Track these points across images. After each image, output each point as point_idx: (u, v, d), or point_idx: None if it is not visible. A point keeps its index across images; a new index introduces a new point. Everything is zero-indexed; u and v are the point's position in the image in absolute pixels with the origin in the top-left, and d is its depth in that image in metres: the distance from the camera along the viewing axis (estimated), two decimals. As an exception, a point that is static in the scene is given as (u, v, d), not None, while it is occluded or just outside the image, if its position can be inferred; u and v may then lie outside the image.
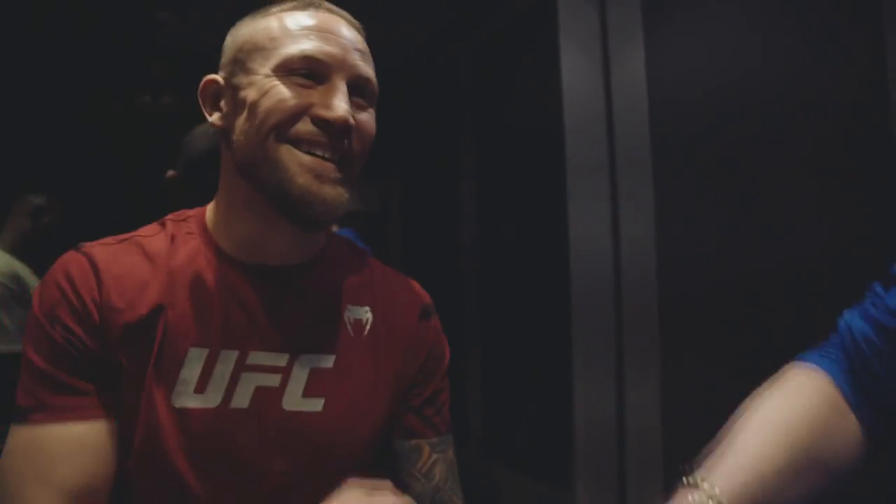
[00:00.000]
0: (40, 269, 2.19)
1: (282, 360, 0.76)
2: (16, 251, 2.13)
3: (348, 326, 0.82)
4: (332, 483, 0.70)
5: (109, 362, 0.72)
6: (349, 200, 0.75)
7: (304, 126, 0.72)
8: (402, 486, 0.81)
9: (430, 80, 3.38)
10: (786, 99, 1.51)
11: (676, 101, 1.80)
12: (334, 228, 2.39)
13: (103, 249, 0.76)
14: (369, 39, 0.80)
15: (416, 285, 0.91)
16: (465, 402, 2.96)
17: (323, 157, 0.73)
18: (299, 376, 0.77)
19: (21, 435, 0.70)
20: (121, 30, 2.86)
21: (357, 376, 0.80)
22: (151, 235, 0.80)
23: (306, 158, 0.72)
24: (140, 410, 0.71)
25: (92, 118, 3.11)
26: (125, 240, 0.79)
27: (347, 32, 0.77)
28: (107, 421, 0.71)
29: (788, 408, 0.66)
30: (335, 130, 0.72)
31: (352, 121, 0.73)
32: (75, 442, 0.69)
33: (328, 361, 0.79)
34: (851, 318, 0.70)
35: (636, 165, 1.88)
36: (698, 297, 1.74)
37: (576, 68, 1.94)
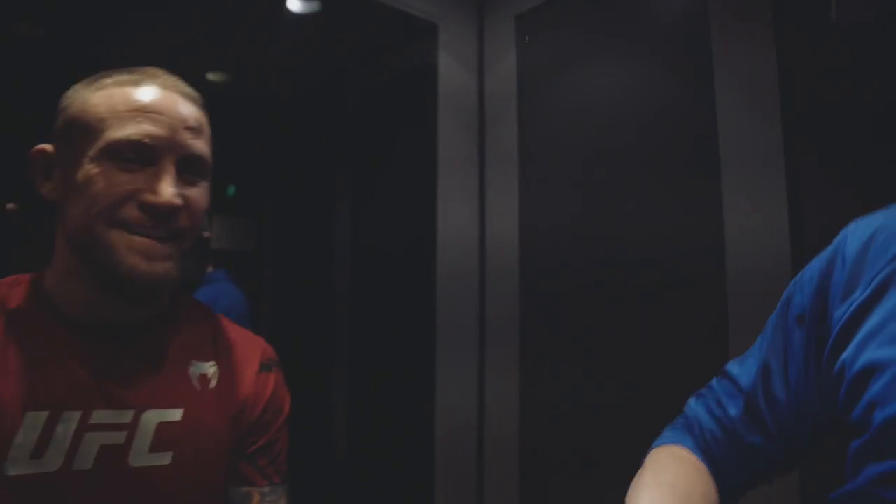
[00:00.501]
0: None
1: (127, 417, 0.76)
2: None
3: (194, 380, 0.83)
4: None
5: None
6: (178, 275, 0.77)
7: (131, 211, 0.73)
8: None
9: (312, 120, 3.44)
10: (643, 153, 1.72)
11: (546, 162, 1.97)
12: (209, 269, 2.37)
13: None
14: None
15: (260, 341, 0.94)
16: (330, 435, 2.95)
17: (150, 237, 0.74)
18: (145, 432, 0.76)
19: None
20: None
21: (205, 428, 0.81)
22: None
23: (135, 240, 0.74)
24: None
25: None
26: None
27: (180, 108, 0.77)
28: None
29: (679, 478, 0.69)
30: (161, 213, 0.74)
31: (178, 202, 0.74)
32: None
33: (175, 415, 0.79)
34: (697, 409, 0.79)
35: (508, 215, 2.01)
36: (560, 311, 1.88)
37: (452, 131, 2.08)
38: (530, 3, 2.03)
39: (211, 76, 3.14)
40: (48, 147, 0.79)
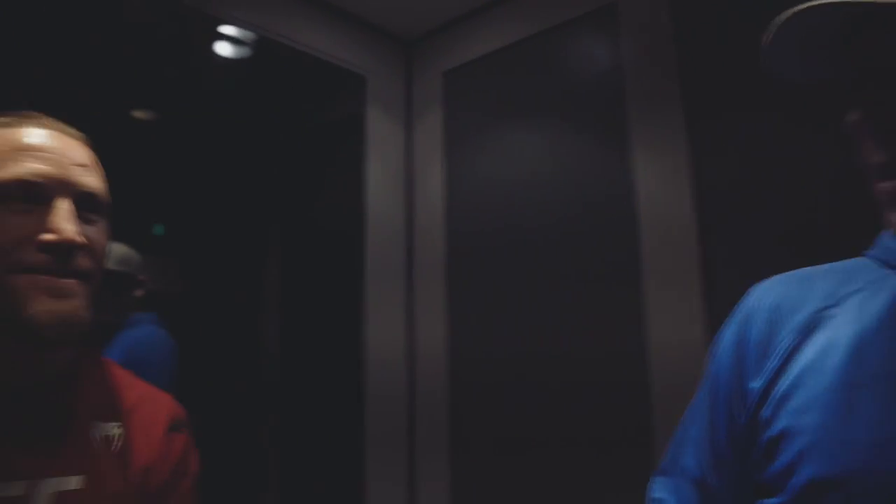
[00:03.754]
0: None
1: (18, 489, 0.69)
2: None
3: (96, 444, 0.78)
4: None
5: None
6: (88, 316, 0.73)
7: (31, 255, 0.70)
8: None
9: (239, 163, 3.41)
10: (563, 208, 1.78)
11: (471, 213, 2.02)
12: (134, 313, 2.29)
13: None
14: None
15: (170, 399, 0.90)
16: (260, 474, 2.89)
17: (56, 275, 0.70)
18: (41, 502, 0.70)
19: None
20: None
21: (108, 495, 0.76)
22: None
23: (40, 279, 0.70)
24: None
25: None
26: None
27: (67, 147, 0.75)
28: None
29: None
30: (62, 251, 0.70)
31: (79, 239, 0.71)
32: None
33: (74, 483, 0.73)
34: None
35: (432, 271, 2.05)
36: (488, 398, 1.90)
37: (380, 181, 2.10)
38: (458, 60, 2.08)
39: (137, 114, 3.08)
40: None
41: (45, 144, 0.74)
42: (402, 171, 2.13)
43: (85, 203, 0.75)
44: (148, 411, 0.86)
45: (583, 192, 1.74)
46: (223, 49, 2.47)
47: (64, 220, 0.71)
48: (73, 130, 0.79)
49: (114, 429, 0.80)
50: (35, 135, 0.74)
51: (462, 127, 2.06)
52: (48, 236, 0.70)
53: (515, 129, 1.94)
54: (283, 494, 2.83)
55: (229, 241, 3.45)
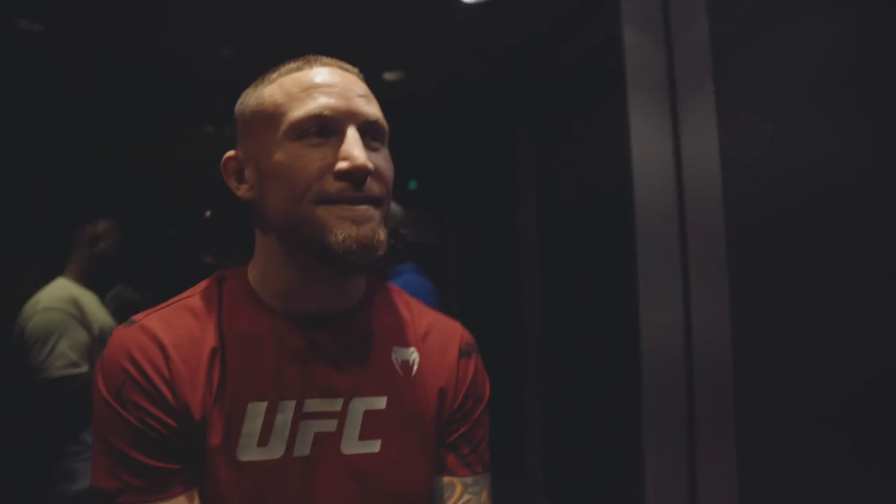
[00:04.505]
0: (102, 293, 2.25)
1: (337, 405, 0.78)
2: (80, 279, 2.20)
3: (397, 367, 0.84)
4: None
5: (186, 436, 0.73)
6: (386, 239, 0.77)
7: (330, 185, 0.75)
8: None
9: (492, 110, 3.37)
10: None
11: (749, 174, 1.71)
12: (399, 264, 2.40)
13: (157, 319, 0.77)
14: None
15: (458, 325, 0.93)
16: (522, 438, 2.88)
17: (353, 203, 0.75)
18: (354, 420, 0.79)
19: None
20: (183, 64, 2.95)
21: (409, 415, 0.82)
22: (195, 296, 0.82)
23: (340, 209, 0.75)
24: (205, 468, 0.74)
25: (155, 150, 3.22)
26: (171, 304, 0.81)
27: (347, 81, 0.80)
28: (189, 495, 0.73)
29: None
30: (357, 178, 0.75)
31: (370, 164, 0.75)
32: None
33: (380, 403, 0.81)
34: None
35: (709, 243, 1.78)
36: (776, 370, 1.62)
37: (643, 116, 1.87)
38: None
39: (388, 76, 3.18)
40: (235, 152, 0.83)
41: (332, 81, 0.78)
42: (665, 91, 1.88)
43: (369, 131, 0.79)
44: (440, 337, 0.89)
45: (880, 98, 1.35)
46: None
47: (354, 148, 0.75)
48: (349, 66, 0.84)
49: (411, 354, 0.85)
50: (321, 73, 0.79)
51: (731, 36, 1.74)
52: (343, 164, 0.74)
53: (796, 30, 1.58)
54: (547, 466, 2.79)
55: (485, 192, 3.48)
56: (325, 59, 0.82)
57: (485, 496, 0.87)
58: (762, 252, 1.64)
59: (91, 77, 2.96)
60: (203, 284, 0.84)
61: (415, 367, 0.84)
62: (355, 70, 0.84)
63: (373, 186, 0.77)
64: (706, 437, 1.73)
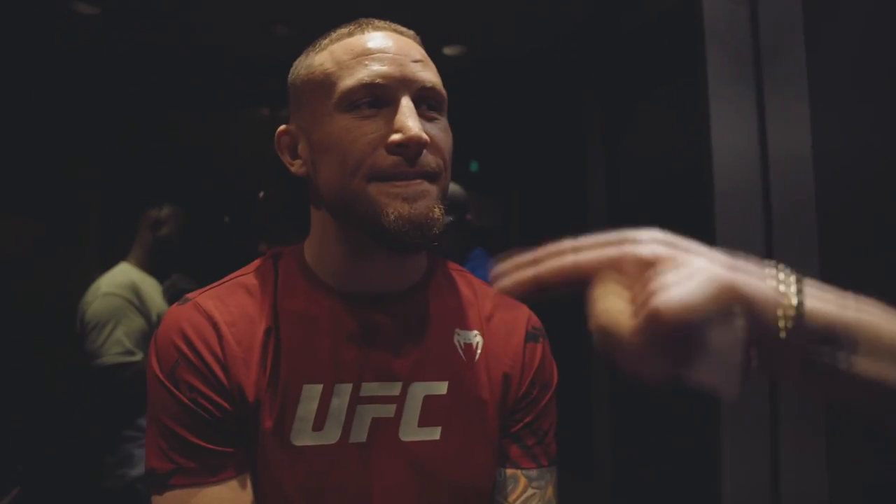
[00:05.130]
0: (163, 280, 2.25)
1: (395, 390, 0.75)
2: (142, 264, 2.20)
3: (459, 351, 0.79)
4: None
5: (240, 418, 0.71)
6: (441, 216, 0.73)
7: (382, 159, 0.71)
8: None
9: (557, 83, 3.20)
10: None
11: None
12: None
13: (211, 297, 0.75)
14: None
15: (525, 308, 0.87)
16: (591, 435, 2.74)
17: (406, 179, 0.71)
18: (413, 405, 0.76)
19: (167, 502, 0.69)
20: (238, 44, 2.91)
21: (472, 402, 0.78)
22: (250, 273, 0.79)
23: (393, 186, 0.71)
24: (258, 452, 0.72)
25: (212, 133, 3.21)
26: (226, 282, 0.78)
27: (401, 45, 0.75)
28: (242, 479, 0.71)
29: None
30: (411, 151, 0.71)
31: (425, 136, 0.70)
32: None
33: (441, 388, 0.77)
34: None
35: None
36: None
37: (722, 82, 1.67)
38: None
39: (447, 50, 3.05)
40: (287, 126, 0.80)
41: (384, 46, 0.74)
42: (749, 56, 1.67)
43: (426, 98, 0.74)
44: (505, 320, 0.84)
45: None
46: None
47: (408, 119, 0.70)
48: (404, 29, 0.79)
49: (474, 337, 0.81)
50: (373, 38, 0.74)
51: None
52: (396, 136, 0.70)
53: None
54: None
55: (551, 172, 3.33)
56: (377, 23, 0.77)
57: (550, 491, 0.81)
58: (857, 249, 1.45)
59: (148, 62, 2.96)
60: (259, 262, 0.81)
61: (478, 351, 0.80)
62: (411, 33, 0.79)
63: (428, 160, 0.72)
64: (791, 434, 1.57)
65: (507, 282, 0.46)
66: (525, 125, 3.44)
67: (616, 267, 0.44)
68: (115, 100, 2.99)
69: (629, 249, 0.44)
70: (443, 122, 0.76)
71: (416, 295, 0.80)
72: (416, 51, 0.76)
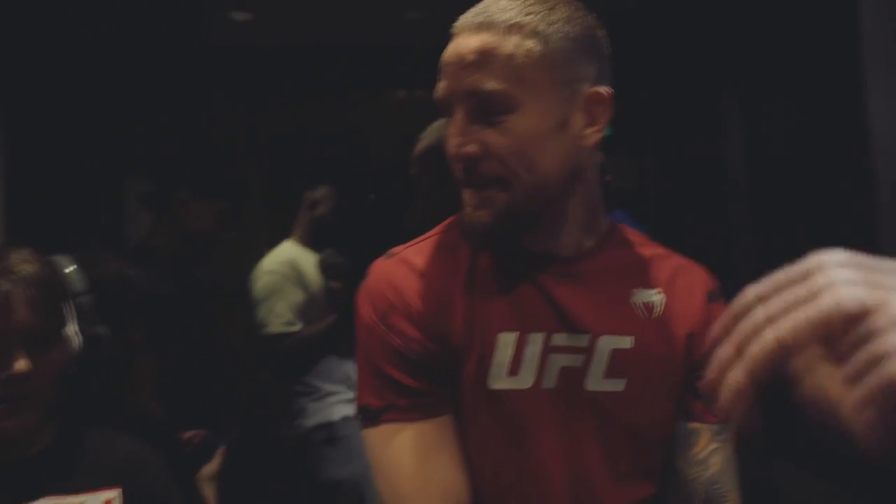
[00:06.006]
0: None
1: (583, 341, 0.78)
2: (303, 241, 2.43)
3: (638, 309, 0.82)
4: (636, 463, 0.79)
5: (445, 362, 0.77)
6: (496, 223, 0.76)
7: (453, 164, 0.77)
8: (672, 471, 0.82)
9: (690, 39, 3.08)
10: None
11: None
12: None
13: (415, 253, 0.83)
14: None
15: (704, 270, 0.89)
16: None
17: (468, 187, 0.77)
18: (601, 357, 0.79)
19: (379, 434, 0.77)
20: (376, 30, 3.06)
21: (654, 357, 0.81)
22: (444, 233, 0.85)
23: (465, 194, 0.79)
24: (459, 394, 0.77)
25: (353, 117, 3.40)
26: (425, 239, 0.85)
27: (462, 48, 0.74)
28: (446, 419, 0.77)
29: None
30: (459, 166, 0.76)
31: (465, 151, 0.74)
32: (429, 440, 0.76)
33: (627, 342, 0.80)
34: None
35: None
36: None
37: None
38: None
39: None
40: None
41: (450, 56, 0.75)
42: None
43: (481, 105, 0.73)
44: (685, 280, 0.86)
45: None
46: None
47: (451, 136, 0.75)
48: (492, 19, 0.73)
49: (655, 296, 0.83)
50: (451, 48, 0.76)
51: None
52: (447, 150, 0.76)
53: None
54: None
55: (686, 131, 3.23)
56: (462, 24, 0.75)
57: (730, 447, 0.83)
58: None
59: (298, 59, 3.19)
60: (451, 220, 0.87)
61: (659, 309, 0.83)
62: (496, 20, 0.73)
63: (484, 169, 0.75)
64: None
65: (727, 396, 0.38)
66: (659, 83, 3.34)
67: (822, 331, 0.36)
68: (271, 93, 3.26)
69: (831, 303, 0.36)
70: (510, 122, 0.73)
71: (597, 255, 0.84)
72: (475, 49, 0.72)
